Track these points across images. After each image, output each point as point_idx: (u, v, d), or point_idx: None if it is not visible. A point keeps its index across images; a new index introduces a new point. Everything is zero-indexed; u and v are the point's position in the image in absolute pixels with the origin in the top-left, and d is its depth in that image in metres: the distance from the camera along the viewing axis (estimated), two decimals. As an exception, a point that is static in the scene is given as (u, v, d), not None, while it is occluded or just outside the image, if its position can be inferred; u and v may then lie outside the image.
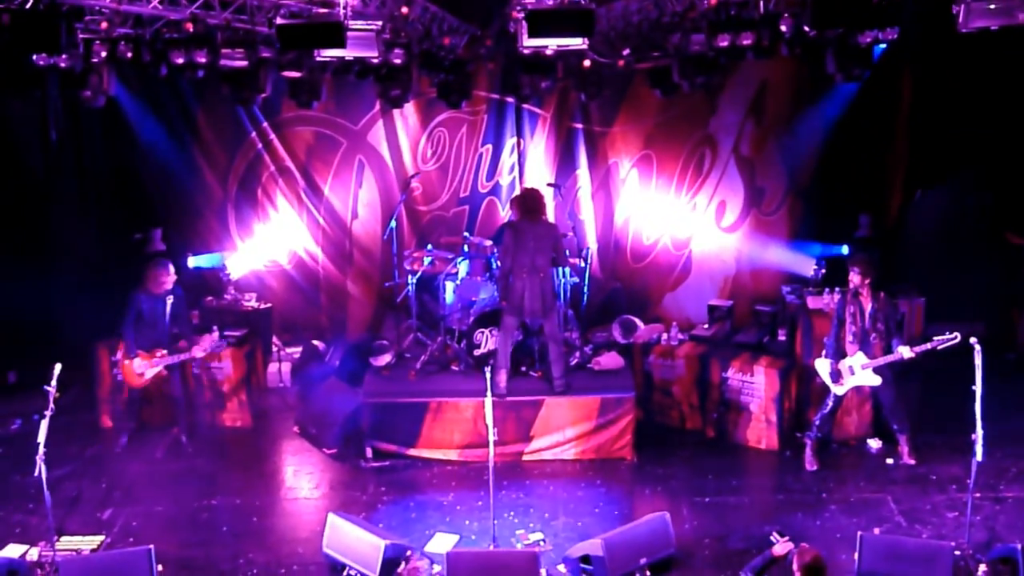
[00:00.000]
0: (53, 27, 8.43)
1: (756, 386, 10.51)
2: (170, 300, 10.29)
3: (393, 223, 11.78)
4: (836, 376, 9.76)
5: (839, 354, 9.77)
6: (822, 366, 9.86)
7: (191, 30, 9.38)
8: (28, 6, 8.39)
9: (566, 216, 12.95)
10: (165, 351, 10.29)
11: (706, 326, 11.97)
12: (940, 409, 10.53)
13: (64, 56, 9.36)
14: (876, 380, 9.68)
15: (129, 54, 9.75)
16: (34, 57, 9.41)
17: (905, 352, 9.44)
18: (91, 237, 12.82)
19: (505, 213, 13.34)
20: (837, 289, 10.54)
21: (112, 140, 12.71)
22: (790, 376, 10.63)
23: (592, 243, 13.35)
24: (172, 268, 10.42)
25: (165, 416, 10.77)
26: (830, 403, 9.92)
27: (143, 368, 10.27)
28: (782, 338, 11.49)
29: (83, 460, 10.39)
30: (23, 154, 12.45)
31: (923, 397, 10.84)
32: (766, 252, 12.95)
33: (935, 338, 9.21)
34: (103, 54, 9.73)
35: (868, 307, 9.68)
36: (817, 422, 9.98)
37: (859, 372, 9.66)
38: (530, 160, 13.40)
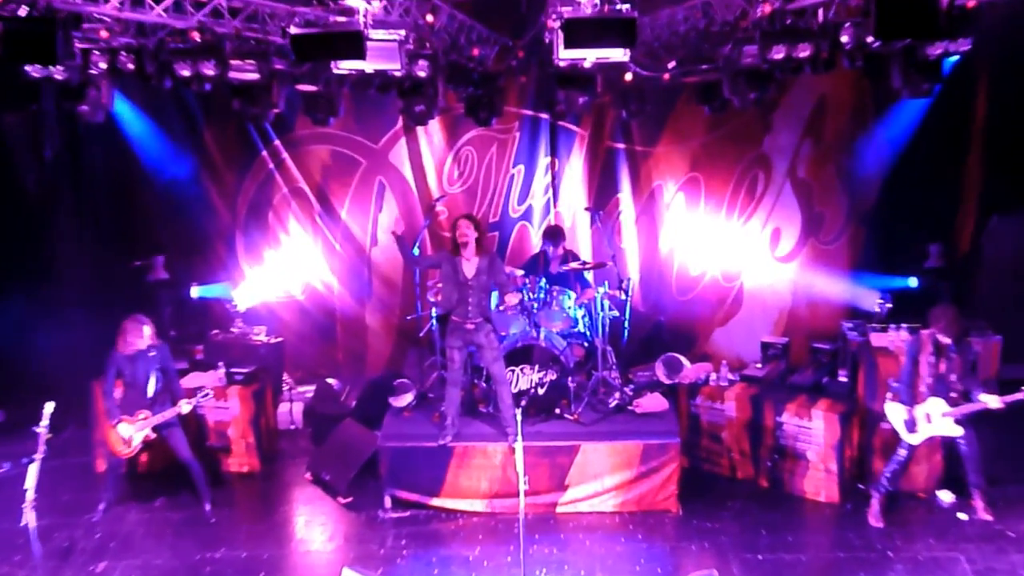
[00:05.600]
0: (48, 36, 8.50)
1: (814, 432, 10.42)
2: (152, 356, 10.00)
3: (416, 250, 11.79)
4: (911, 424, 9.61)
5: (912, 400, 9.64)
6: (895, 412, 9.73)
7: (198, 40, 9.48)
8: (22, 13, 8.46)
9: (605, 244, 12.91)
10: (149, 412, 9.96)
11: (759, 365, 11.89)
12: (1017, 458, 10.38)
13: (60, 67, 9.45)
14: (957, 430, 9.49)
15: (131, 65, 9.85)
16: (28, 68, 9.49)
17: (992, 402, 9.23)
18: (88, 264, 12.89)
19: (538, 240, 13.35)
20: (907, 326, 10.43)
21: (112, 158, 12.84)
22: (851, 421, 10.53)
23: (634, 274, 13.36)
24: (148, 326, 9.97)
25: (166, 459, 10.73)
26: (903, 453, 9.74)
27: (129, 434, 9.94)
28: (843, 379, 11.38)
29: (76, 507, 10.40)
30: (16, 173, 12.58)
31: (997, 445, 10.69)
32: (825, 284, 12.90)
33: (1026, 387, 9.09)
34: (103, 65, 9.84)
35: (947, 350, 9.54)
36: (887, 475, 9.81)
37: (937, 421, 9.50)
38: (565, 183, 13.45)
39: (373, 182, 13.49)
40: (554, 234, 11.79)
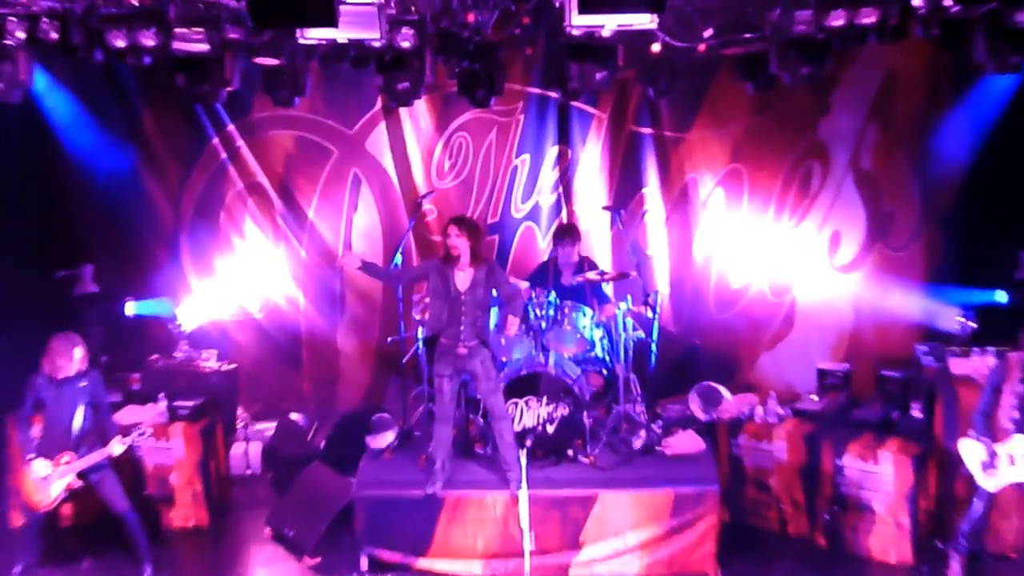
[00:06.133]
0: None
1: (882, 478, 10.42)
2: (82, 386, 9.97)
3: (399, 258, 11.78)
4: (989, 465, 9.62)
5: (993, 436, 9.62)
6: (970, 451, 9.71)
7: (135, 3, 9.49)
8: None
9: (628, 250, 12.89)
10: (74, 454, 9.85)
11: (814, 397, 11.90)
12: None
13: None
14: (1049, 476, 9.51)
15: (54, 34, 9.83)
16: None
17: None
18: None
19: (546, 245, 13.38)
20: (993, 349, 10.43)
21: (29, 147, 12.83)
22: (927, 465, 10.54)
23: (663, 286, 13.38)
24: (79, 348, 9.93)
25: (95, 512, 10.68)
26: (980, 503, 9.74)
27: (46, 478, 9.80)
28: (917, 414, 11.39)
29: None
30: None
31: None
32: (894, 299, 12.88)
33: None
34: (20, 35, 9.83)
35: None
36: (966, 529, 9.79)
37: (1022, 463, 9.52)
38: (580, 176, 13.49)
39: (347, 175, 13.54)
40: (566, 237, 11.82)
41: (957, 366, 11.00)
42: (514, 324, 10.47)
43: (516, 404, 10.77)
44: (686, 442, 10.96)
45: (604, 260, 13.29)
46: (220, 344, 13.23)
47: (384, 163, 13.54)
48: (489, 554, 10.23)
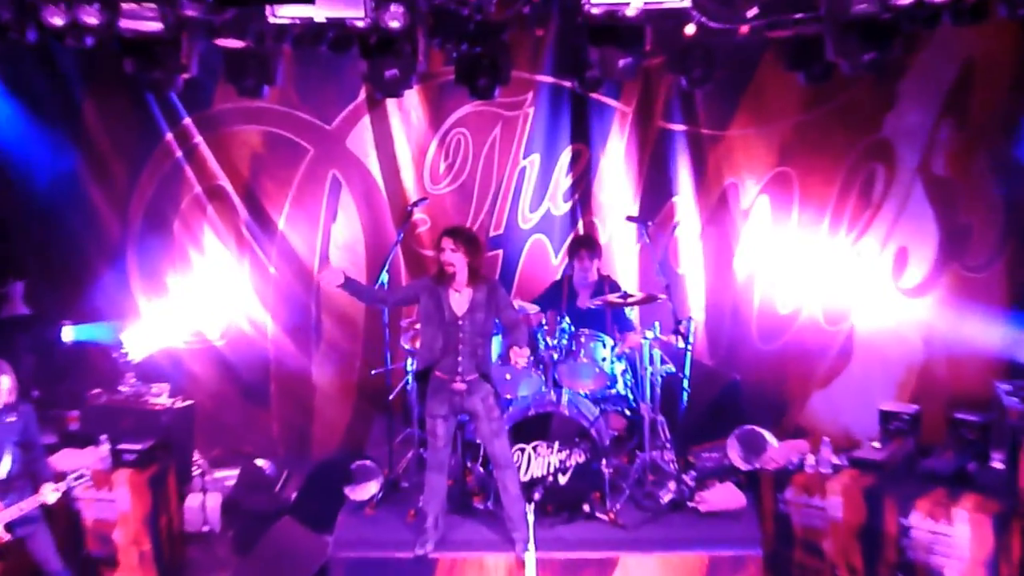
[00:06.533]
0: None
1: (956, 541, 10.39)
2: (10, 421, 9.95)
3: (385, 276, 11.78)
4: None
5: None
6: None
7: (76, -28, 9.54)
8: None
9: (656, 269, 12.87)
10: (0, 502, 9.82)
11: (876, 444, 11.88)
12: None
13: None
14: None
15: (-22, 11, 9.91)
16: None
17: None
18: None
19: (559, 262, 13.39)
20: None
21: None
22: (1010, 526, 10.50)
23: (697, 311, 13.36)
24: (7, 376, 9.90)
25: (23, 572, 10.67)
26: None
27: None
28: (998, 465, 11.38)
29: None
30: None
31: None
32: (972, 328, 12.88)
33: None
34: (-63, 12, 9.90)
35: None
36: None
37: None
38: (600, 180, 13.50)
39: (324, 178, 13.57)
40: (583, 252, 11.84)
41: (1047, 408, 11.03)
42: (520, 356, 10.30)
43: (523, 450, 10.78)
44: (724, 496, 10.97)
45: (628, 280, 13.30)
46: (173, 377, 13.25)
47: (368, 164, 13.57)
48: (489, 627, 10.27)
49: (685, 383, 11.77)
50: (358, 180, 13.60)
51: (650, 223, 12.72)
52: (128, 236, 13.60)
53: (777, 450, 11.82)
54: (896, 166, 13.09)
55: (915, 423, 12.01)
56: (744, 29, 11.30)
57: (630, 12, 10.00)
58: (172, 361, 13.50)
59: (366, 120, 13.50)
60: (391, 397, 12.06)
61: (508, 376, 11.11)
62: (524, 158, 13.56)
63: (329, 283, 10.54)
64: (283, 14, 9.82)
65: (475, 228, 13.33)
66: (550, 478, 10.75)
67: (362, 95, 13.32)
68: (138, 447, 11.54)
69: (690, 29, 11.16)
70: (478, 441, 10.58)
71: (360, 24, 9.98)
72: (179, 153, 13.43)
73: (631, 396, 11.48)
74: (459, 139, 13.54)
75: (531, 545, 8.29)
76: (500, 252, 13.67)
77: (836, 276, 13.33)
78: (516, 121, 13.46)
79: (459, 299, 10.12)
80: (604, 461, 10.81)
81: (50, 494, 9.91)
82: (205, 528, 12.45)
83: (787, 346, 13.59)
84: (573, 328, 11.22)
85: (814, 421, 13.26)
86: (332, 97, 13.44)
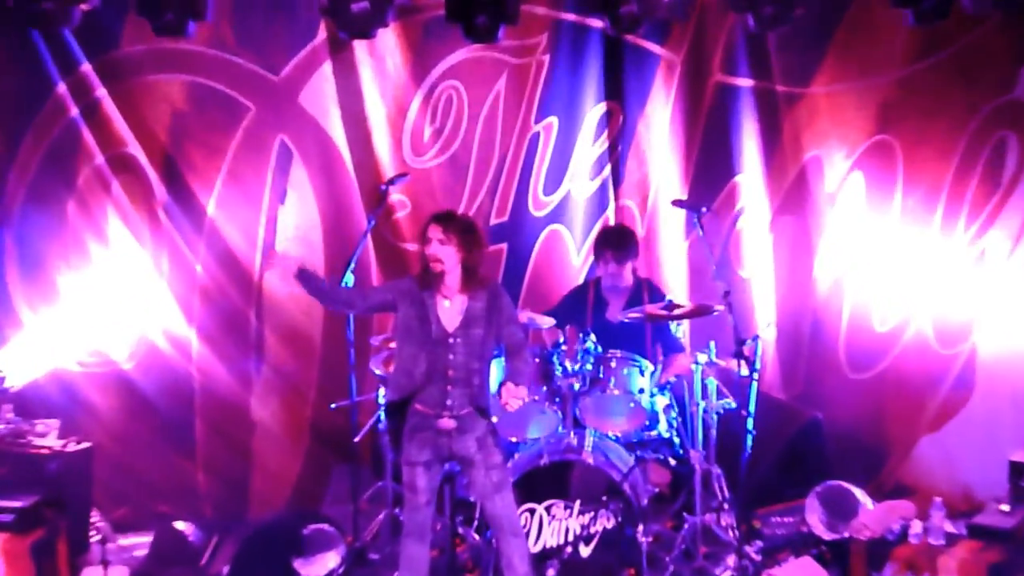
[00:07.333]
0: None
1: (1108, 636, 10.48)
2: None
3: (351, 276, 11.79)
4: None
5: None
6: None
7: None
8: None
9: (712, 270, 12.86)
10: None
11: (1005, 507, 11.90)
12: None
13: None
14: None
15: None
16: None
17: None
18: None
19: (583, 260, 13.41)
20: None
21: None
22: None
23: (767, 328, 13.34)
24: None
25: None
26: None
27: None
28: None
29: None
30: None
31: None
32: None
33: None
34: None
35: None
36: None
37: None
38: (638, 152, 13.50)
39: (269, 146, 13.55)
40: (615, 248, 11.84)
41: None
42: (514, 397, 10.01)
43: (533, 511, 10.82)
44: (800, 574, 10.99)
45: (674, 285, 13.34)
46: (65, 410, 13.23)
47: (329, 128, 13.54)
48: None
49: (750, 423, 11.80)
50: (315, 149, 13.55)
51: (704, 210, 12.65)
52: (4, 223, 13.57)
53: (872, 514, 11.84)
54: (1033, 137, 13.14)
55: (1057, 479, 12.06)
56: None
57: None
58: (63, 389, 13.46)
59: (326, 69, 13.45)
60: (357, 439, 12.10)
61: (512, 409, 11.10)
62: (537, 122, 13.56)
63: (280, 269, 10.50)
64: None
65: (471, 214, 13.35)
66: (569, 549, 10.78)
67: (321, 35, 13.27)
68: (17, 504, 11.55)
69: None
70: (472, 498, 10.59)
71: (319, -59, 10.05)
72: (75, 111, 13.36)
73: (677, 440, 11.50)
74: (450, 95, 13.53)
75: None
76: (504, 246, 13.67)
77: (952, 282, 13.33)
78: (527, 72, 13.46)
79: (450, 309, 10.03)
80: (641, 527, 10.85)
81: None
82: (106, 612, 12.53)
83: (886, 374, 13.60)
84: (600, 349, 11.23)
85: (921, 475, 13.27)
86: (281, 38, 13.40)
